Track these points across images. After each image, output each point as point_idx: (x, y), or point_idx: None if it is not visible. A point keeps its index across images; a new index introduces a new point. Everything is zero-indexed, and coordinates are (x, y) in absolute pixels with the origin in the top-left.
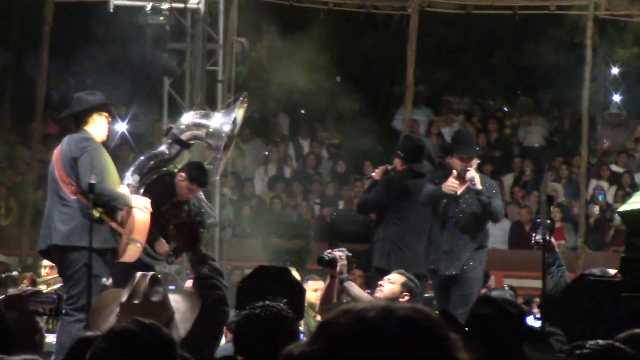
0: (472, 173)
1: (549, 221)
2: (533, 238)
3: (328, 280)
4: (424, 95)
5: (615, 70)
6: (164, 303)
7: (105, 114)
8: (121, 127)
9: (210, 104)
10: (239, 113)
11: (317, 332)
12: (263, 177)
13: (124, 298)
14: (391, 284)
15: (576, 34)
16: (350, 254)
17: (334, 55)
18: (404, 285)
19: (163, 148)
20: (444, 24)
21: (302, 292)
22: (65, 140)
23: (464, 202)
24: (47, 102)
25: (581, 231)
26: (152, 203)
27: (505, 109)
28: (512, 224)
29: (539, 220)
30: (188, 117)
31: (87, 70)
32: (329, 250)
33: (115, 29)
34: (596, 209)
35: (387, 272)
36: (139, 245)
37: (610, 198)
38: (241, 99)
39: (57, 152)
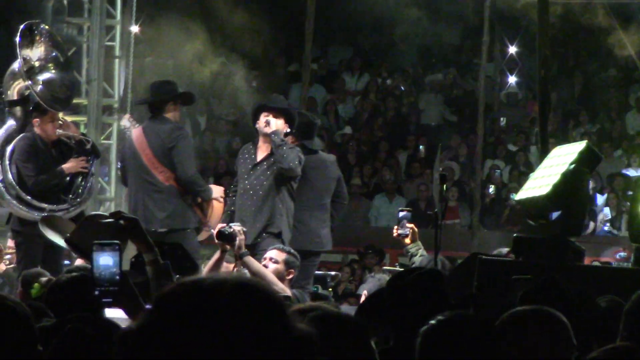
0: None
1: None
2: (395, 230)
3: (217, 254)
4: (319, 74)
5: (512, 50)
6: None
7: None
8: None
9: (107, 80)
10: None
11: (152, 303)
12: None
13: None
14: (274, 263)
15: (474, 14)
16: (245, 230)
17: (231, 32)
18: (286, 262)
19: (8, 122)
20: (342, 2)
21: (196, 268)
22: (149, 128)
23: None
24: None
25: (476, 210)
26: (35, 168)
27: (402, 87)
28: (407, 202)
29: (402, 213)
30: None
31: None
32: (228, 225)
33: (14, 3)
34: (492, 189)
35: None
36: (212, 231)
37: (505, 178)
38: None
39: (139, 138)
